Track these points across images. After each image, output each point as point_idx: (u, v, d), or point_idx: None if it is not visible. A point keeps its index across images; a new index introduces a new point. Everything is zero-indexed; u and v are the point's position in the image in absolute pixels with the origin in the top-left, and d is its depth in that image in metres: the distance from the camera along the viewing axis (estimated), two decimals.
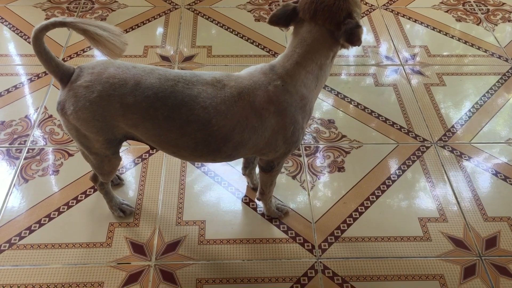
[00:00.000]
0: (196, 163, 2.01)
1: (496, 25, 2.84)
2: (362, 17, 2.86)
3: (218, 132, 1.37)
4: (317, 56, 1.37)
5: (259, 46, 2.63)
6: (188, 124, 1.36)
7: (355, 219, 1.84)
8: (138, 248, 1.72)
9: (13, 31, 2.65)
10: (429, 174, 2.01)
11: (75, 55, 2.51)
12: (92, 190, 1.89)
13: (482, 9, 2.96)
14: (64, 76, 1.36)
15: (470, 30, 2.80)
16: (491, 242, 1.78)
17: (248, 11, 2.88)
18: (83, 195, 1.88)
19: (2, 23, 2.70)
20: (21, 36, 2.61)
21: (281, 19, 1.40)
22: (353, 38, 1.30)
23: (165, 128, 1.37)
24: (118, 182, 1.92)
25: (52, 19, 1.26)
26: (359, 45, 1.33)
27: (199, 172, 1.99)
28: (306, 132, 2.14)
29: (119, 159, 1.58)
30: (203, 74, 1.41)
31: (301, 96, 1.41)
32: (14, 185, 1.90)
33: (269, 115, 1.39)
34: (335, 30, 1.33)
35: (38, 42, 1.29)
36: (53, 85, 2.32)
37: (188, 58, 2.53)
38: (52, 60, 1.34)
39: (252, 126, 1.39)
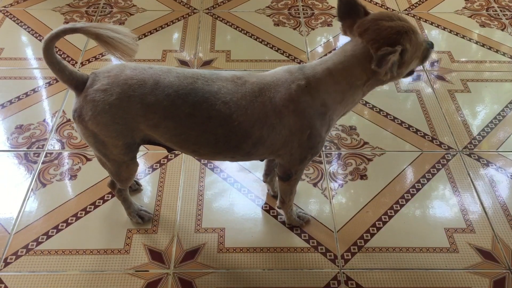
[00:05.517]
0: (215, 168, 1.98)
1: None
2: None
3: (239, 127, 1.35)
4: (348, 71, 1.34)
5: (279, 51, 2.60)
6: (210, 120, 1.34)
7: (378, 229, 1.79)
8: (157, 256, 1.69)
9: (32, 34, 2.65)
10: (454, 183, 1.95)
11: (94, 59, 2.49)
12: (110, 195, 1.86)
13: (507, 14, 2.89)
14: (79, 84, 1.34)
15: (493, 36, 2.74)
16: None
17: (267, 16, 2.85)
18: (101, 201, 1.85)
19: (21, 26, 2.70)
20: (40, 40, 2.60)
21: (345, 15, 1.36)
22: (382, 62, 1.24)
23: (187, 126, 1.35)
24: (137, 188, 1.89)
25: (62, 26, 1.24)
26: (387, 71, 1.26)
27: (218, 178, 1.95)
28: (326, 139, 2.10)
29: (137, 164, 1.55)
30: (222, 72, 1.40)
31: (322, 102, 1.37)
32: (32, 189, 1.88)
33: (288, 113, 1.36)
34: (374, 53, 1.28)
35: (49, 52, 1.26)
36: None
37: (207, 63, 2.51)
38: (65, 69, 1.31)
39: (271, 123, 1.37)
